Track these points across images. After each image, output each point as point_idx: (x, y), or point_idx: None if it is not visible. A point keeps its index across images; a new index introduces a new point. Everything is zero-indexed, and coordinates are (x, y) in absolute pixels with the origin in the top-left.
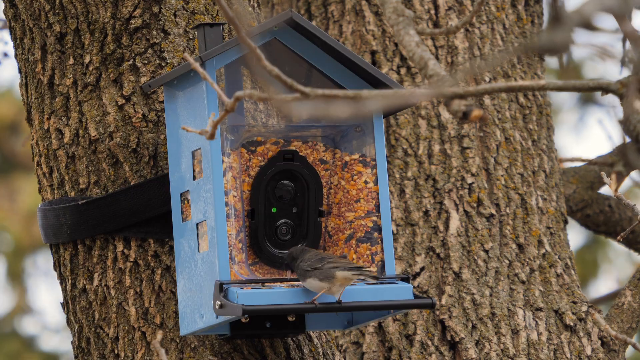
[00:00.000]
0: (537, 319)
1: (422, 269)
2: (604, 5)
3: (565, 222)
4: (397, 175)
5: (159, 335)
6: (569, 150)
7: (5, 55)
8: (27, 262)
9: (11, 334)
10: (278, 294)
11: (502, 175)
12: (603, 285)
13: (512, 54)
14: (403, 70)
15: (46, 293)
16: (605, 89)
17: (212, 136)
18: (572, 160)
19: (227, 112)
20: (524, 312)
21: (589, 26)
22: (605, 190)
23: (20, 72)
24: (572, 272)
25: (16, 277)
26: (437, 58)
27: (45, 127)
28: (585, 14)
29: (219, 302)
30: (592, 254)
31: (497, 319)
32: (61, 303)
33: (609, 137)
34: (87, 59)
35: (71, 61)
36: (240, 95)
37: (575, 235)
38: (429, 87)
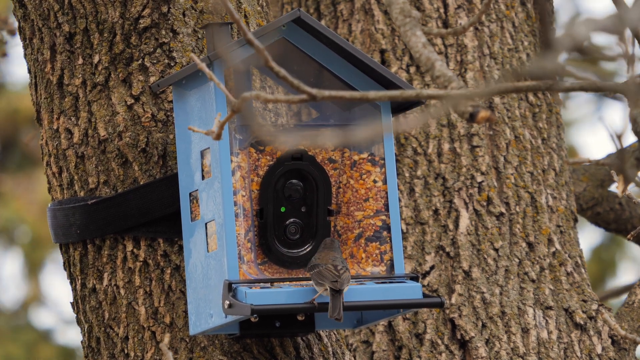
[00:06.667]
0: (547, 318)
1: (432, 267)
2: (599, 24)
3: (575, 220)
4: (407, 174)
5: (166, 338)
6: (585, 147)
7: (5, 55)
8: (45, 255)
9: (26, 326)
10: (287, 294)
11: (511, 174)
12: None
13: (507, 79)
14: (412, 69)
15: (62, 285)
16: (612, 89)
17: (218, 137)
18: (580, 162)
19: (233, 113)
20: (534, 310)
21: (580, 50)
22: (615, 187)
23: (29, 72)
24: (582, 270)
25: (33, 269)
26: (446, 57)
27: (55, 127)
28: (577, 37)
29: (227, 302)
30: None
31: (507, 318)
32: (71, 302)
33: (610, 137)
34: (96, 58)
35: (80, 61)
36: (247, 96)
37: (593, 234)
38: (437, 88)
